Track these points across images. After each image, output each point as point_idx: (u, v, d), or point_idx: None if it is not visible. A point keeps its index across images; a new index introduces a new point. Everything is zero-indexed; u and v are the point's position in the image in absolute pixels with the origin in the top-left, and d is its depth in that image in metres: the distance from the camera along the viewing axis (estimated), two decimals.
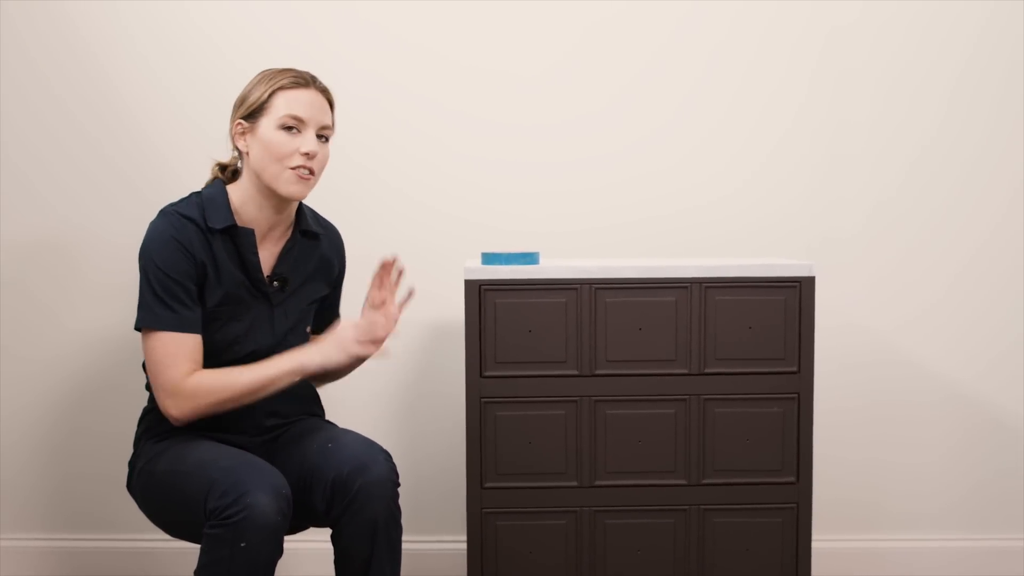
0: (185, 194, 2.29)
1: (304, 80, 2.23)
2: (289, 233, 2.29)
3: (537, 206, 2.92)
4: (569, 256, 2.90)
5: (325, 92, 2.26)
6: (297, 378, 2.17)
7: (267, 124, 2.19)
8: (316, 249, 2.34)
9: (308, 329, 2.35)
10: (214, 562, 2.00)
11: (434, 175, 2.91)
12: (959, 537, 2.98)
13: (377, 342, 2.20)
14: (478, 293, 2.39)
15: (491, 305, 2.40)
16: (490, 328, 2.40)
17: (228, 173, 2.31)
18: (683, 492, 2.44)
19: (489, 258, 2.44)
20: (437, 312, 2.92)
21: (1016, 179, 2.93)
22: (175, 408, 2.13)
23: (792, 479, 2.45)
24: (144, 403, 2.35)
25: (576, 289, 2.41)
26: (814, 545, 2.84)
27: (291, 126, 2.19)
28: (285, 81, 2.21)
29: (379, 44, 2.89)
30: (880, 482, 2.98)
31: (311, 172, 2.20)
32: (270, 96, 2.20)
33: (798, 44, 2.90)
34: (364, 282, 2.76)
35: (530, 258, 2.45)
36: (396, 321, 2.21)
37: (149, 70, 2.88)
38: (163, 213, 2.20)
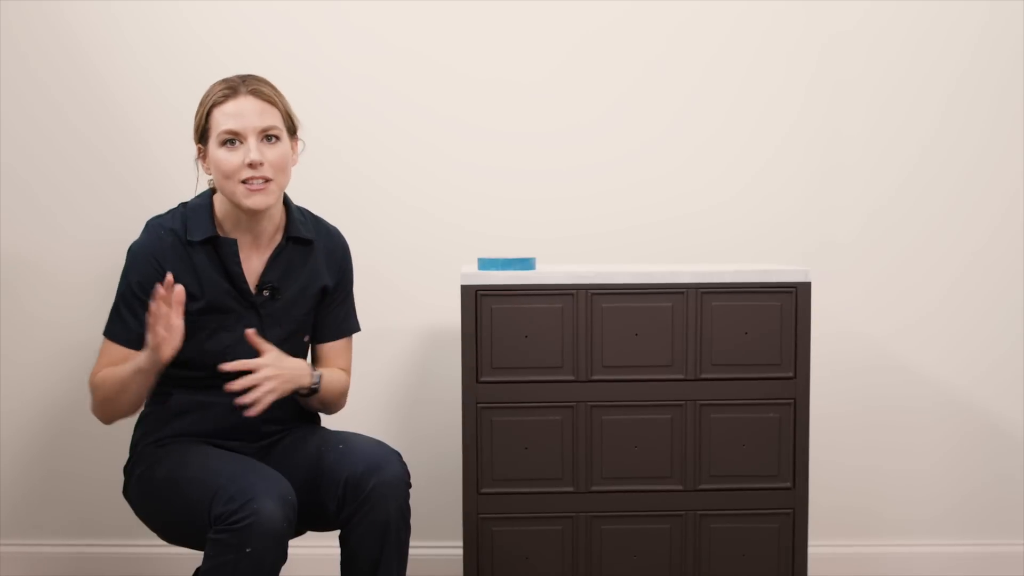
0: (179, 198, 2.31)
1: (232, 88, 2.19)
2: (278, 240, 2.28)
3: (534, 212, 2.92)
4: (566, 262, 2.90)
5: (257, 92, 2.20)
6: (149, 376, 2.12)
7: (213, 144, 2.19)
8: (308, 256, 2.31)
9: (306, 339, 2.34)
10: (218, 567, 2.00)
11: (431, 181, 2.92)
12: (955, 542, 2.98)
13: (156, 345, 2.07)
14: (475, 298, 2.40)
15: (488, 311, 2.40)
16: (486, 334, 2.40)
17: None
18: (679, 497, 2.44)
19: (486, 263, 2.45)
20: (433, 318, 2.93)
21: (1013, 186, 2.94)
22: (92, 398, 2.24)
23: (788, 484, 2.45)
24: (141, 407, 2.36)
25: (572, 295, 2.41)
26: (810, 550, 2.84)
27: (230, 140, 2.17)
28: (216, 96, 2.19)
29: (375, 50, 2.89)
30: (876, 487, 2.98)
31: (265, 180, 2.17)
32: (208, 116, 2.20)
33: (795, 52, 2.91)
34: (362, 288, 2.77)
35: (526, 264, 2.45)
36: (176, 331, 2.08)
37: (144, 73, 2.88)
38: (146, 227, 2.26)
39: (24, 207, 2.89)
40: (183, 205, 2.28)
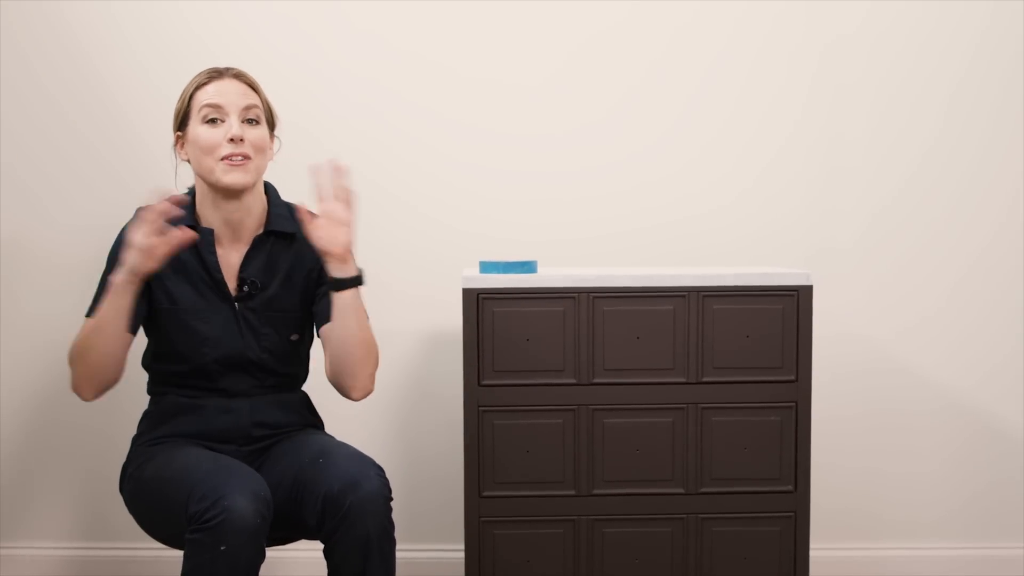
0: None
1: (216, 72, 2.26)
2: (259, 234, 2.29)
3: (535, 215, 2.92)
4: (567, 265, 2.90)
5: (240, 76, 2.27)
6: (127, 296, 2.11)
7: (194, 125, 2.23)
8: (290, 248, 2.31)
9: (294, 337, 2.32)
10: (196, 567, 2.00)
11: (432, 184, 2.92)
12: (957, 545, 2.98)
13: (151, 247, 2.07)
14: (476, 302, 2.40)
15: (489, 314, 2.40)
16: (488, 337, 2.40)
17: None
18: (681, 501, 2.44)
19: (487, 267, 2.45)
20: (435, 321, 2.93)
21: (1014, 188, 2.94)
22: (72, 374, 2.20)
23: (790, 488, 2.45)
24: (146, 406, 2.37)
25: (574, 298, 2.41)
26: (812, 554, 2.84)
27: (212, 117, 2.21)
28: (200, 80, 2.25)
29: (376, 52, 2.89)
30: (878, 490, 2.98)
31: (245, 157, 2.20)
32: (190, 99, 2.24)
33: (796, 55, 2.91)
34: (363, 291, 2.77)
35: (528, 267, 2.45)
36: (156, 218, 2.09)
37: (143, 72, 2.88)
38: (135, 213, 2.28)
39: (21, 203, 2.89)
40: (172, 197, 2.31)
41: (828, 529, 2.96)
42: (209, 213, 2.26)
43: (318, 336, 2.34)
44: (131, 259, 2.08)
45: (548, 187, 2.92)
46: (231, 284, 2.27)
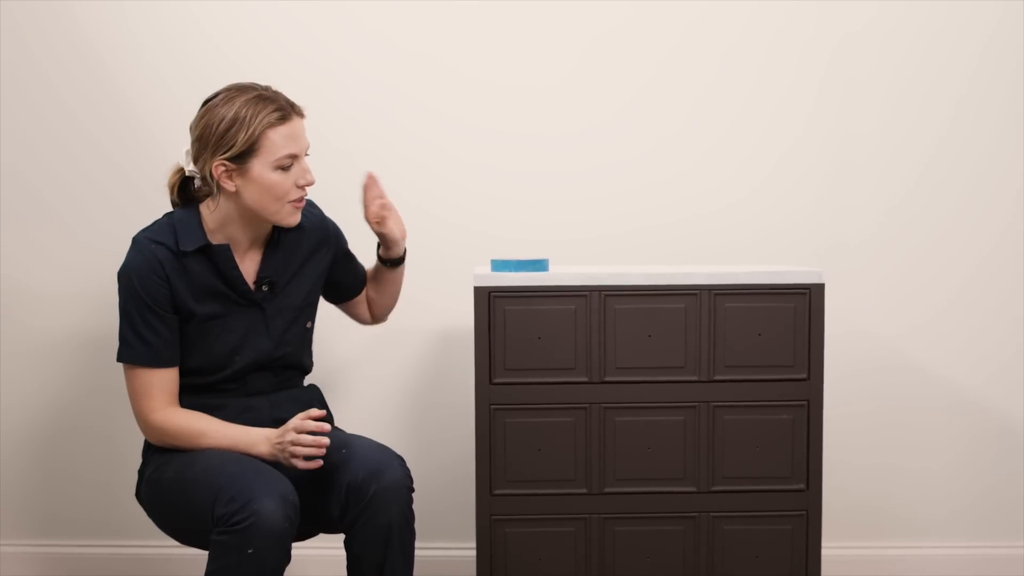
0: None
1: (285, 111, 2.17)
2: (270, 234, 2.29)
3: (546, 214, 2.92)
4: (578, 263, 2.90)
5: (301, 114, 2.22)
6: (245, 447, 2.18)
7: (261, 165, 2.16)
8: (300, 240, 2.33)
9: (308, 324, 2.36)
10: (221, 568, 2.01)
11: (442, 184, 2.92)
12: (967, 544, 2.97)
13: (292, 460, 2.12)
14: (487, 300, 2.40)
15: (500, 312, 2.40)
16: (499, 335, 2.40)
17: (189, 194, 2.28)
18: (692, 499, 2.44)
19: (498, 265, 2.44)
20: (446, 319, 2.93)
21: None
22: (146, 435, 2.25)
23: (802, 486, 2.44)
24: None
25: (585, 296, 2.41)
26: (823, 552, 2.84)
27: (287, 166, 2.18)
28: (271, 118, 2.14)
29: (385, 53, 2.89)
30: (888, 488, 2.97)
31: (303, 197, 2.24)
32: (260, 136, 2.14)
33: (807, 52, 2.91)
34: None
35: (539, 265, 2.45)
36: (320, 450, 2.11)
37: (154, 73, 2.88)
38: (135, 243, 2.21)
39: (29, 205, 2.90)
40: (169, 216, 2.26)
41: (838, 527, 2.95)
42: (233, 230, 2.23)
43: (345, 301, 2.52)
44: (277, 452, 2.13)
45: (559, 187, 2.92)
46: (252, 286, 2.27)
